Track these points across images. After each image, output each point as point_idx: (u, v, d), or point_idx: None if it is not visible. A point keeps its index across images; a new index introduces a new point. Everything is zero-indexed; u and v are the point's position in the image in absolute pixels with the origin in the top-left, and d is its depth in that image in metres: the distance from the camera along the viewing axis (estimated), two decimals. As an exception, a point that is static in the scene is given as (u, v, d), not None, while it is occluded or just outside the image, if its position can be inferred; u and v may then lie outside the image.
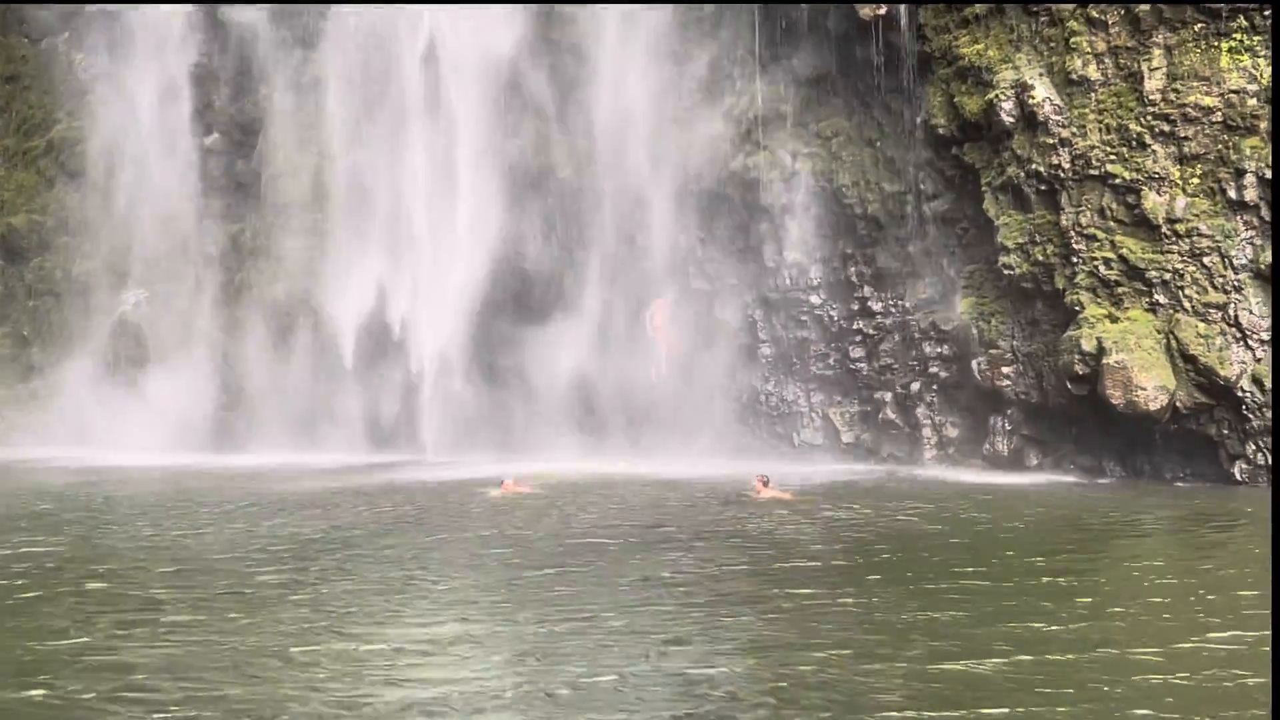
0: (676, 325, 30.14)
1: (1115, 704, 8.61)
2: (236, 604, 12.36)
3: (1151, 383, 22.44)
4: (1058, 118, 23.97)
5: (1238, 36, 22.40)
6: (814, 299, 28.70)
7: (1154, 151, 23.04)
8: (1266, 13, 22.04)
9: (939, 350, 26.83)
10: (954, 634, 10.66)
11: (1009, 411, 25.51)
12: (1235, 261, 22.35)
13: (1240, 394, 22.11)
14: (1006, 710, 8.45)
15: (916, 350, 27.19)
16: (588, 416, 30.36)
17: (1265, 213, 22.15)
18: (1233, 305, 22.30)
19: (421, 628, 11.24)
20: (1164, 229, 22.89)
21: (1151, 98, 23.05)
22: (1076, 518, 18.65)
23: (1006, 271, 25.00)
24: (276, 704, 8.85)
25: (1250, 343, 22.17)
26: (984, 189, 25.41)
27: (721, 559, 14.83)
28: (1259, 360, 22.07)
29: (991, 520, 18.49)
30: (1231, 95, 22.40)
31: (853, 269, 28.14)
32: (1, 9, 39.67)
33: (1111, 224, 23.54)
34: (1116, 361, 22.64)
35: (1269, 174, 21.94)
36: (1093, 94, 23.71)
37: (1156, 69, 23.08)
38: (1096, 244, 23.62)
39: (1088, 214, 23.75)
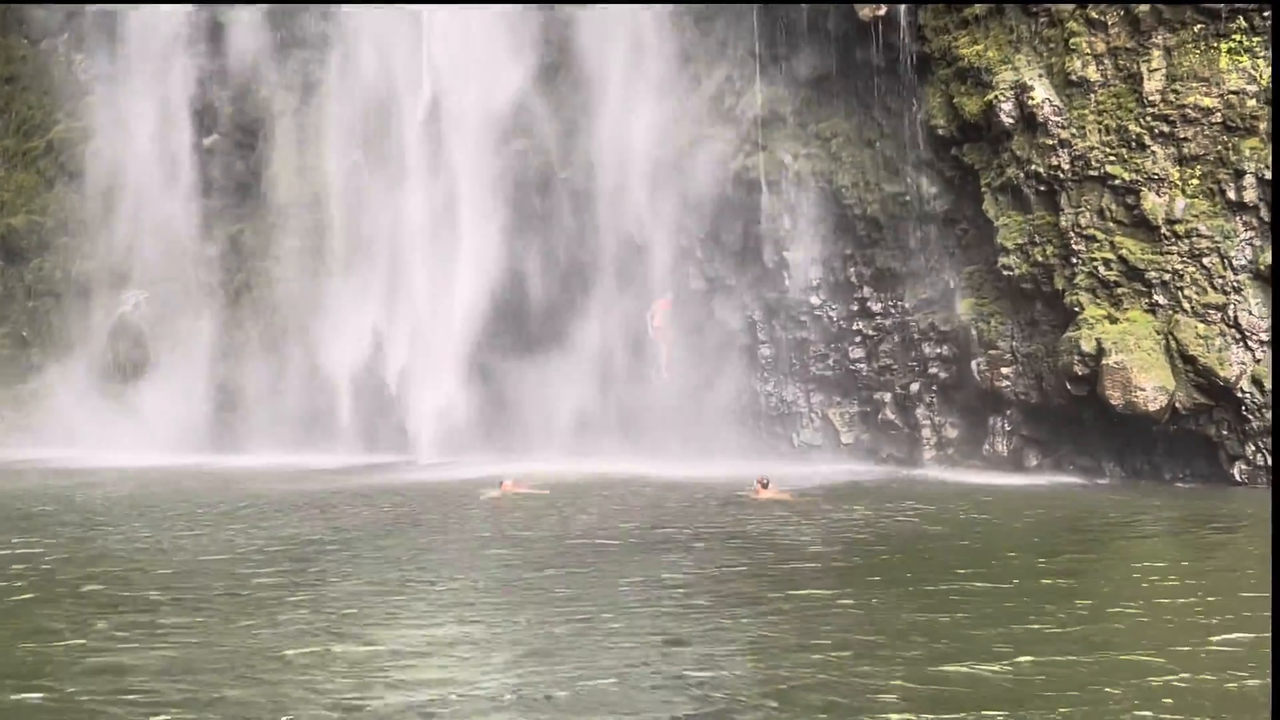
0: (676, 326, 30.13)
1: (1116, 705, 8.59)
2: (235, 605, 12.34)
3: (1151, 383, 22.43)
4: (1057, 119, 23.96)
5: (1237, 37, 22.39)
6: (813, 299, 28.69)
7: (1153, 152, 23.03)
8: (1266, 13, 22.03)
9: (938, 351, 26.82)
10: (954, 635, 10.65)
11: (1008, 412, 25.50)
12: (1235, 262, 22.34)
13: (1240, 395, 22.10)
14: (1007, 712, 8.43)
15: (916, 351, 27.18)
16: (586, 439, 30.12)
17: (1265, 213, 22.13)
18: (1232, 306, 22.29)
19: (420, 629, 11.22)
20: (1163, 230, 22.88)
21: (1151, 99, 23.04)
22: (1076, 518, 18.64)
23: (1006, 272, 24.99)
24: (275, 706, 8.83)
25: (1250, 343, 22.16)
26: (983, 190, 25.40)
27: (721, 560, 14.82)
28: (1258, 361, 22.05)
29: (991, 521, 18.48)
30: (1231, 96, 22.39)
31: (852, 269, 28.13)
32: (1, 9, 39.65)
33: (1111, 225, 23.53)
34: (1116, 362, 22.62)
35: (1268, 175, 21.93)
36: (1092, 95, 23.70)
37: (1156, 70, 23.07)
38: (1096, 245, 23.61)
39: (1087, 215, 23.74)
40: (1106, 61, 23.65)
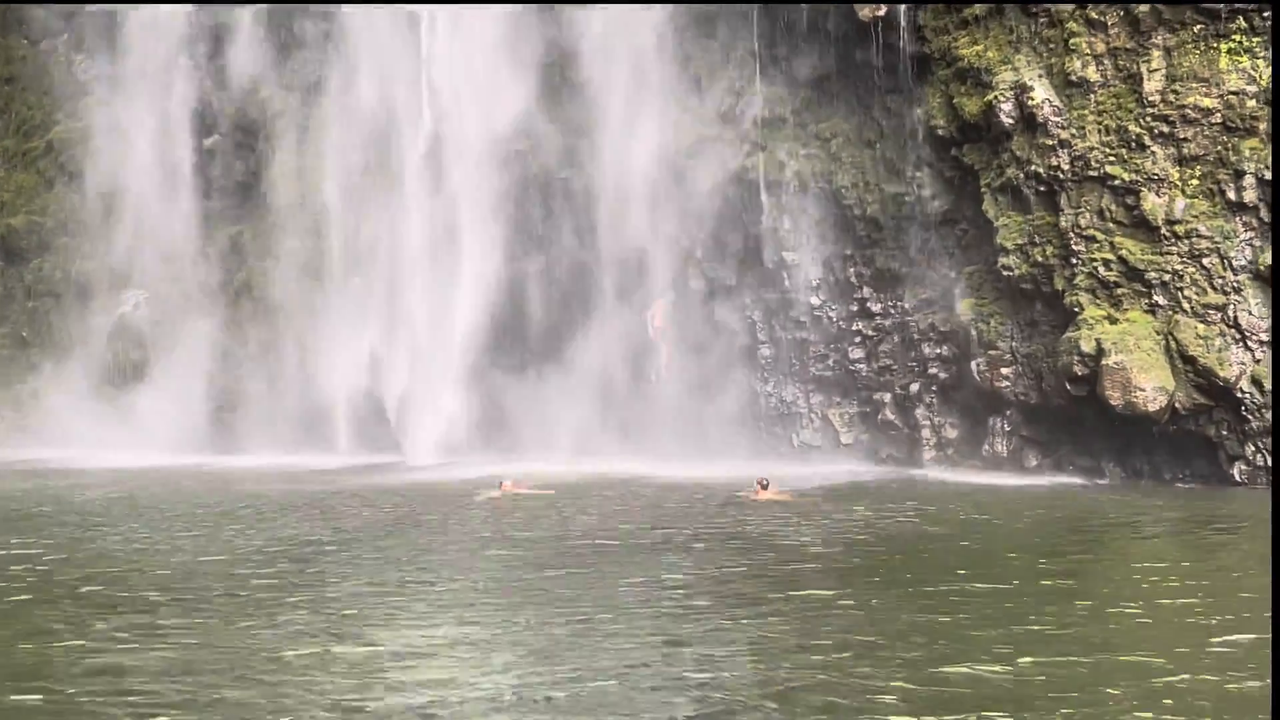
0: (676, 326, 30.10)
1: (1116, 706, 8.58)
2: (234, 606, 12.32)
3: (1151, 384, 22.42)
4: (1057, 119, 23.95)
5: (1237, 38, 22.38)
6: (814, 300, 28.68)
7: (1153, 153, 23.03)
8: (1266, 14, 22.03)
9: (938, 351, 26.81)
10: (954, 636, 10.64)
11: (1008, 412, 25.49)
12: (1234, 263, 22.34)
13: (1239, 395, 22.09)
14: (1007, 713, 8.42)
15: (916, 351, 27.17)
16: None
17: (1264, 214, 22.13)
18: (1232, 306, 22.28)
19: (420, 630, 11.21)
20: (1163, 230, 22.88)
21: (1151, 99, 23.03)
22: (1076, 519, 18.64)
23: (1006, 273, 24.99)
24: (274, 706, 8.81)
25: (1249, 344, 22.16)
26: (983, 190, 25.39)
27: (721, 561, 14.80)
28: (1258, 361, 22.05)
29: (991, 521, 18.48)
30: (1231, 96, 22.39)
31: (852, 270, 28.12)
32: (1, 9, 39.63)
33: (1111, 225, 23.52)
34: (1116, 363, 22.62)
35: (1268, 175, 21.93)
36: (1092, 95, 23.69)
37: (1156, 70, 23.06)
38: (1096, 245, 23.61)
39: (1087, 215, 23.73)
40: (1106, 62, 23.64)
